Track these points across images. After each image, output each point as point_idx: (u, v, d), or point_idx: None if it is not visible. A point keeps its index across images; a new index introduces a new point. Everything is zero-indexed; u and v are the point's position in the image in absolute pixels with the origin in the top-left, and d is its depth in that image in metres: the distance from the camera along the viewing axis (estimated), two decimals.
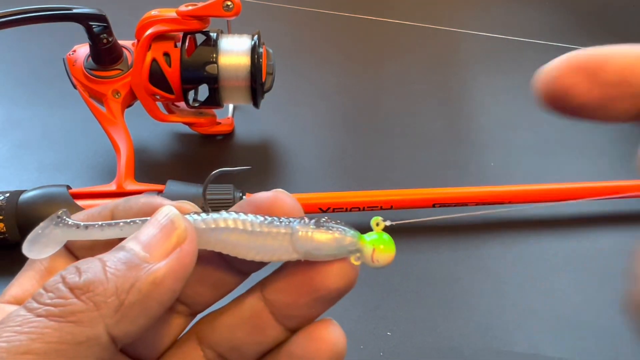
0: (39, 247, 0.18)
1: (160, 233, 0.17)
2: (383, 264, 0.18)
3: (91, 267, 0.16)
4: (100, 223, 0.18)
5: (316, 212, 0.42)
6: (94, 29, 0.41)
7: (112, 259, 0.16)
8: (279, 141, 0.51)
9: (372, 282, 0.40)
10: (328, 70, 0.60)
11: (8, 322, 0.15)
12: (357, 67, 0.61)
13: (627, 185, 0.43)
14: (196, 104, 0.46)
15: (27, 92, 0.54)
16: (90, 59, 0.43)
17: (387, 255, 0.18)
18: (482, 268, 0.41)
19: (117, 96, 0.43)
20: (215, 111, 0.50)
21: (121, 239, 0.18)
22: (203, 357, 0.20)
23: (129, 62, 0.44)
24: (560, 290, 0.40)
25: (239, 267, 0.20)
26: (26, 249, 0.18)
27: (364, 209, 0.42)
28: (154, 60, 0.43)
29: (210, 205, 0.23)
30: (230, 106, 0.52)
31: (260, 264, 0.19)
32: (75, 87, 0.44)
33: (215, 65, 0.43)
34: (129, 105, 0.46)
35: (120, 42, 0.44)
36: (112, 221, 0.18)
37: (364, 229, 0.19)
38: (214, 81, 0.43)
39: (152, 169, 0.48)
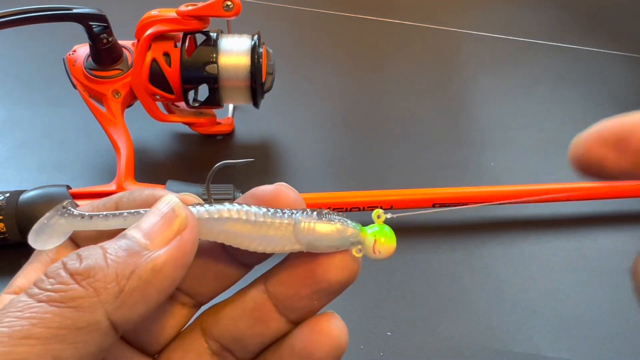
0: (44, 237, 0.18)
1: (162, 221, 0.17)
2: (385, 255, 0.18)
3: (92, 254, 0.16)
4: (104, 213, 0.18)
5: None
6: (94, 29, 0.41)
7: (113, 246, 0.16)
8: (278, 141, 0.51)
9: (372, 282, 0.40)
10: (328, 70, 0.60)
11: (10, 308, 0.15)
12: (357, 67, 0.61)
13: (627, 186, 0.43)
14: (196, 104, 0.46)
15: (27, 92, 0.54)
16: (90, 59, 0.43)
17: (388, 246, 0.18)
18: (482, 268, 0.41)
19: (117, 96, 0.43)
20: (215, 111, 0.50)
21: None
22: (207, 348, 0.20)
23: (129, 62, 0.44)
24: (560, 290, 0.40)
25: (242, 260, 0.20)
26: (32, 239, 0.18)
27: (364, 209, 0.42)
28: (154, 60, 0.43)
29: None
30: (230, 106, 0.52)
31: (263, 256, 0.20)
32: (75, 87, 0.44)
33: (215, 65, 0.43)
34: (129, 105, 0.46)
35: (120, 42, 0.44)
36: (116, 211, 0.18)
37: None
38: (214, 81, 0.43)
39: (152, 169, 0.48)
